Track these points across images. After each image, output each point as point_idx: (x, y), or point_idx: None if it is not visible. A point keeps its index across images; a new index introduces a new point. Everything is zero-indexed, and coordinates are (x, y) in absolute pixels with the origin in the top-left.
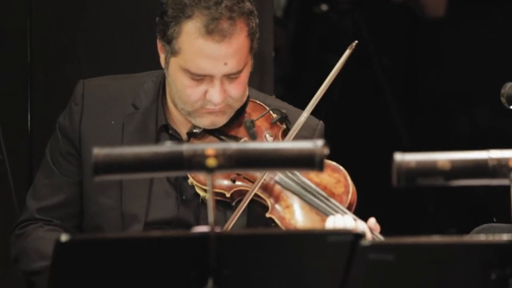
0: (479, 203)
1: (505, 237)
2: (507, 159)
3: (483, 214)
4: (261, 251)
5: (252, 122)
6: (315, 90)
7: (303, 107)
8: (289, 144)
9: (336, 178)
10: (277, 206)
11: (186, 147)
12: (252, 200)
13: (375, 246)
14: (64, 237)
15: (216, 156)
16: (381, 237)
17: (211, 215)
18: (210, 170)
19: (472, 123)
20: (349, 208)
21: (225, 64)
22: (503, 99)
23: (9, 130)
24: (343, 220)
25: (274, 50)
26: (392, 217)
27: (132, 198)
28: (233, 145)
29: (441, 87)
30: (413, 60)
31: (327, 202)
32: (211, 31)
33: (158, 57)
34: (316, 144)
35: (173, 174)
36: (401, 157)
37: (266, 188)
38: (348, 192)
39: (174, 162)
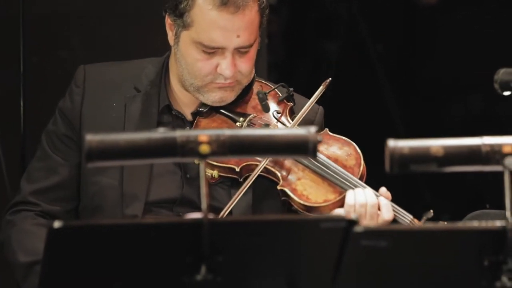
0: (472, 190)
1: (498, 223)
2: (500, 145)
3: (476, 200)
4: (255, 237)
5: (265, 94)
6: (308, 77)
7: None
8: (282, 131)
9: (346, 151)
10: (289, 178)
11: (179, 134)
12: (261, 176)
13: (368, 233)
14: (56, 224)
15: (209, 142)
16: (402, 210)
17: (204, 202)
18: (203, 157)
19: (466, 110)
20: (360, 179)
21: (238, 36)
22: (496, 85)
23: (2, 117)
24: (364, 194)
25: (268, 37)
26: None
27: (133, 177)
28: (226, 131)
29: (435, 73)
30: (408, 47)
31: (340, 173)
32: (225, 2)
33: (152, 44)
34: (310, 131)
35: (166, 160)
36: (394, 144)
37: (276, 162)
38: (359, 165)
39: (168, 149)
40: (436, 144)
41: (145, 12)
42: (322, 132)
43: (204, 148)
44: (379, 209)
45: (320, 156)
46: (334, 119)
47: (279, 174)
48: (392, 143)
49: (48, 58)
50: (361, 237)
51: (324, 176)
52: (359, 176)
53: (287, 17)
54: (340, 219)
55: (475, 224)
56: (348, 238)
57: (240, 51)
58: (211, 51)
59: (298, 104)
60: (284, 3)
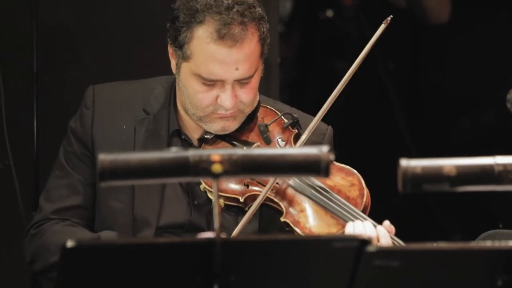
0: (485, 209)
1: (511, 243)
2: None
3: (489, 220)
4: (267, 256)
5: (266, 126)
6: (320, 95)
7: (308, 112)
8: (295, 150)
9: (350, 181)
10: (291, 210)
11: (192, 153)
12: (265, 205)
13: (381, 252)
14: (70, 243)
15: (222, 162)
16: (400, 242)
17: (216, 221)
18: (216, 176)
19: (477, 127)
20: (363, 211)
21: (237, 69)
22: (509, 105)
23: (15, 136)
24: (363, 226)
25: (280, 56)
26: (397, 223)
27: (144, 202)
28: (239, 151)
29: (446, 91)
30: (418, 64)
31: (342, 206)
32: (222, 36)
33: (163, 62)
34: (322, 150)
35: (179, 180)
36: (407, 163)
37: (279, 192)
38: (362, 196)
39: (180, 168)
40: (449, 163)
41: (156, 31)
42: None
43: (217, 168)
44: (378, 240)
45: (323, 186)
46: (345, 137)
47: (281, 205)
48: (404, 162)
49: (61, 77)
50: (373, 256)
51: (327, 208)
52: (362, 208)
53: (298, 36)
54: (352, 238)
55: (488, 243)
56: (361, 257)
57: (241, 82)
58: (211, 83)
59: (305, 125)
60: (294, 25)
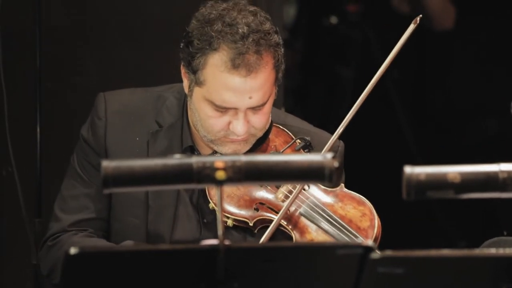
0: (489, 216)
1: None
2: None
3: (493, 227)
4: (271, 264)
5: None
6: (324, 101)
7: (312, 119)
8: (298, 157)
9: (361, 211)
10: (302, 239)
11: (195, 160)
12: (276, 231)
13: (385, 259)
14: (73, 250)
15: (225, 168)
16: None
17: (220, 228)
18: (219, 183)
19: (481, 134)
20: (374, 242)
21: (250, 98)
22: None
23: (18, 143)
24: None
25: (284, 62)
26: (401, 230)
27: (159, 218)
28: (242, 158)
29: (450, 98)
30: (422, 71)
31: (352, 237)
32: (237, 65)
33: (168, 68)
34: (326, 157)
35: (182, 186)
36: (411, 170)
37: (290, 219)
38: (373, 226)
39: (184, 175)
40: (453, 170)
41: (162, 37)
42: (337, 188)
43: (220, 174)
44: None
45: (334, 216)
46: (349, 145)
47: (292, 233)
48: (408, 169)
49: (64, 83)
50: (377, 263)
51: (337, 239)
52: (373, 239)
53: (303, 43)
54: (356, 245)
55: (492, 251)
56: (365, 265)
57: (254, 109)
58: (223, 110)
59: (318, 142)
60: (298, 33)
